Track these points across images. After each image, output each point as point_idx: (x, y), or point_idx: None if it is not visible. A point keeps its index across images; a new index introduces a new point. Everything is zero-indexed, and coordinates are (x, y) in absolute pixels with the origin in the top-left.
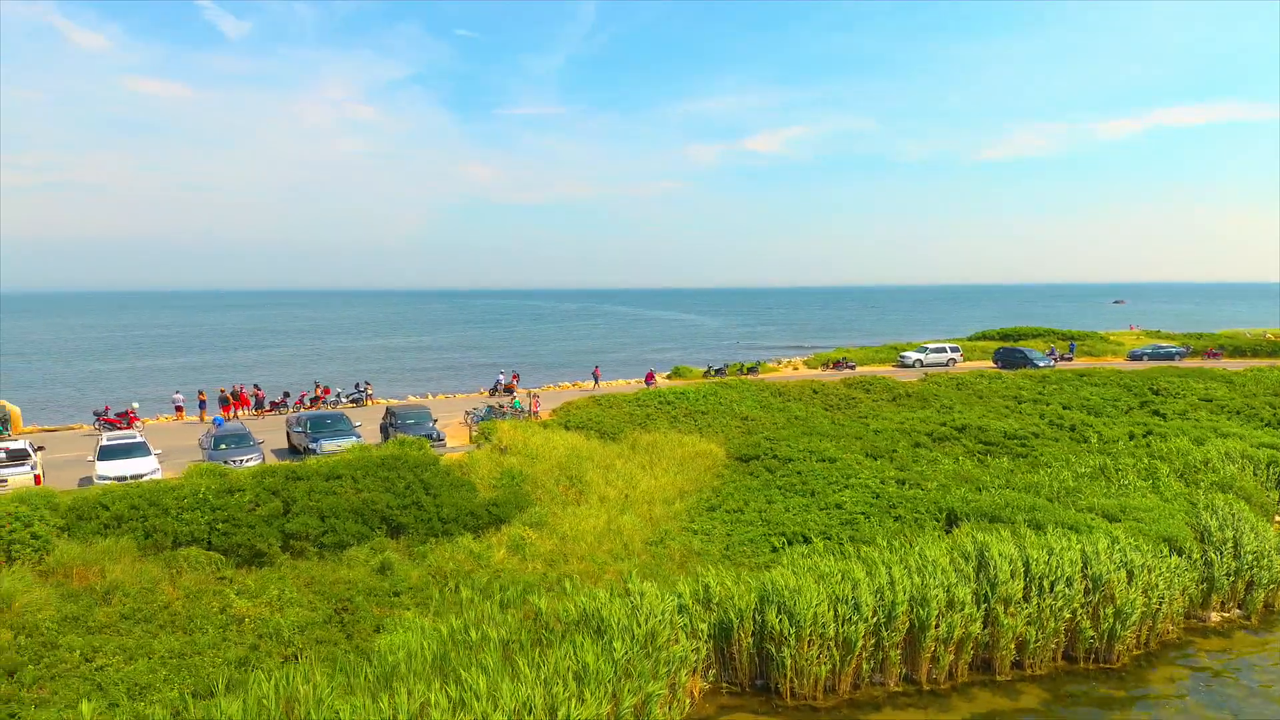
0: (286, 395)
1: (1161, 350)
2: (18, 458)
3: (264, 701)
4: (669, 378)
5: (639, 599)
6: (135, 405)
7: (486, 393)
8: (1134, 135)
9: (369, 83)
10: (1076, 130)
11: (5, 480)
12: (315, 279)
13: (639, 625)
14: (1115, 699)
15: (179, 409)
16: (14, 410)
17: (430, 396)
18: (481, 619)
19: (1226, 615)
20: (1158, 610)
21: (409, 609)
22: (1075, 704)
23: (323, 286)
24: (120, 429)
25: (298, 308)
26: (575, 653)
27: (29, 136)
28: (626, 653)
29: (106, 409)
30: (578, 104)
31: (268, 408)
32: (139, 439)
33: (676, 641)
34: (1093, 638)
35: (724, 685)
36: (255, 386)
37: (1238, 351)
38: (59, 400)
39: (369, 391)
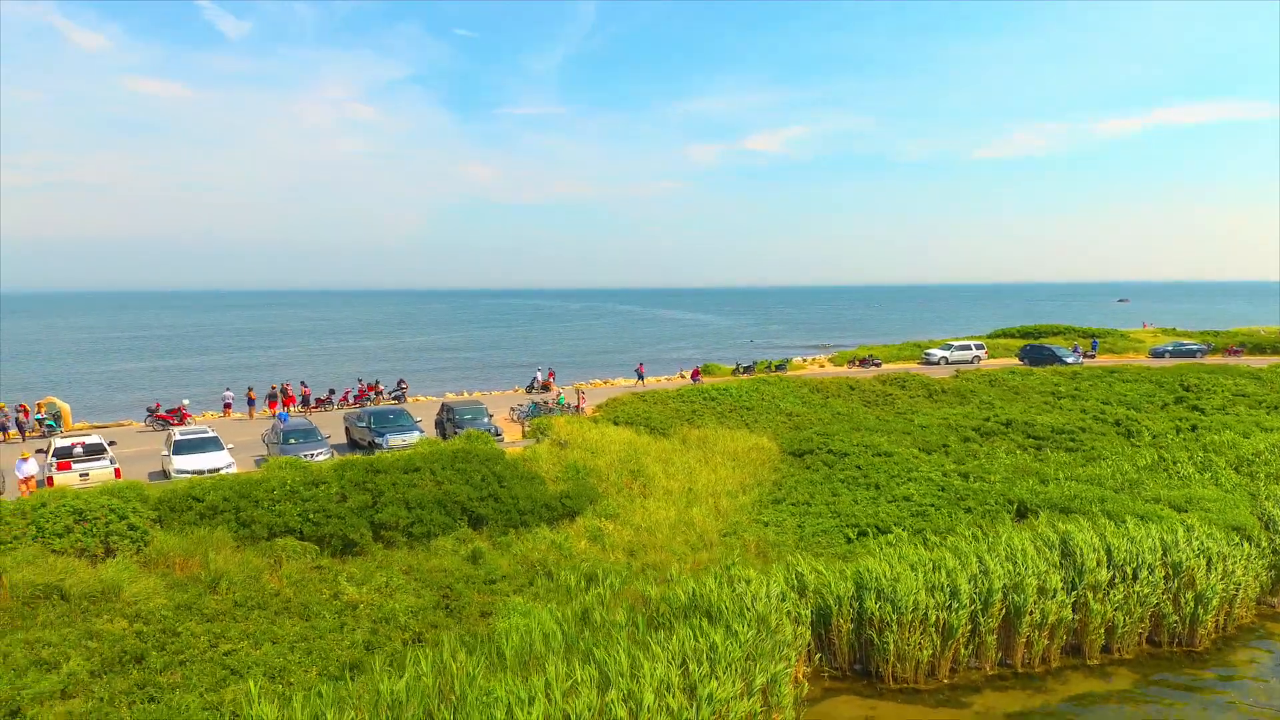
0: (332, 392)
1: (1184, 348)
2: (94, 452)
3: (423, 678)
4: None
5: (744, 585)
6: (185, 402)
7: (522, 390)
8: (1135, 134)
9: (369, 83)
10: (1077, 129)
11: (87, 474)
12: (315, 279)
13: (748, 610)
14: (1202, 679)
15: (227, 406)
16: (64, 407)
17: (466, 393)
18: (593, 604)
19: None
20: (1234, 596)
21: (508, 595)
22: (1165, 685)
23: (323, 286)
24: (173, 425)
25: (301, 307)
26: (698, 636)
27: (29, 136)
28: (750, 635)
29: (158, 405)
30: (578, 104)
31: (314, 404)
32: (211, 434)
33: (781, 625)
34: (1176, 622)
35: (825, 669)
36: (302, 384)
37: (1258, 349)
38: (91, 399)
39: (405, 389)
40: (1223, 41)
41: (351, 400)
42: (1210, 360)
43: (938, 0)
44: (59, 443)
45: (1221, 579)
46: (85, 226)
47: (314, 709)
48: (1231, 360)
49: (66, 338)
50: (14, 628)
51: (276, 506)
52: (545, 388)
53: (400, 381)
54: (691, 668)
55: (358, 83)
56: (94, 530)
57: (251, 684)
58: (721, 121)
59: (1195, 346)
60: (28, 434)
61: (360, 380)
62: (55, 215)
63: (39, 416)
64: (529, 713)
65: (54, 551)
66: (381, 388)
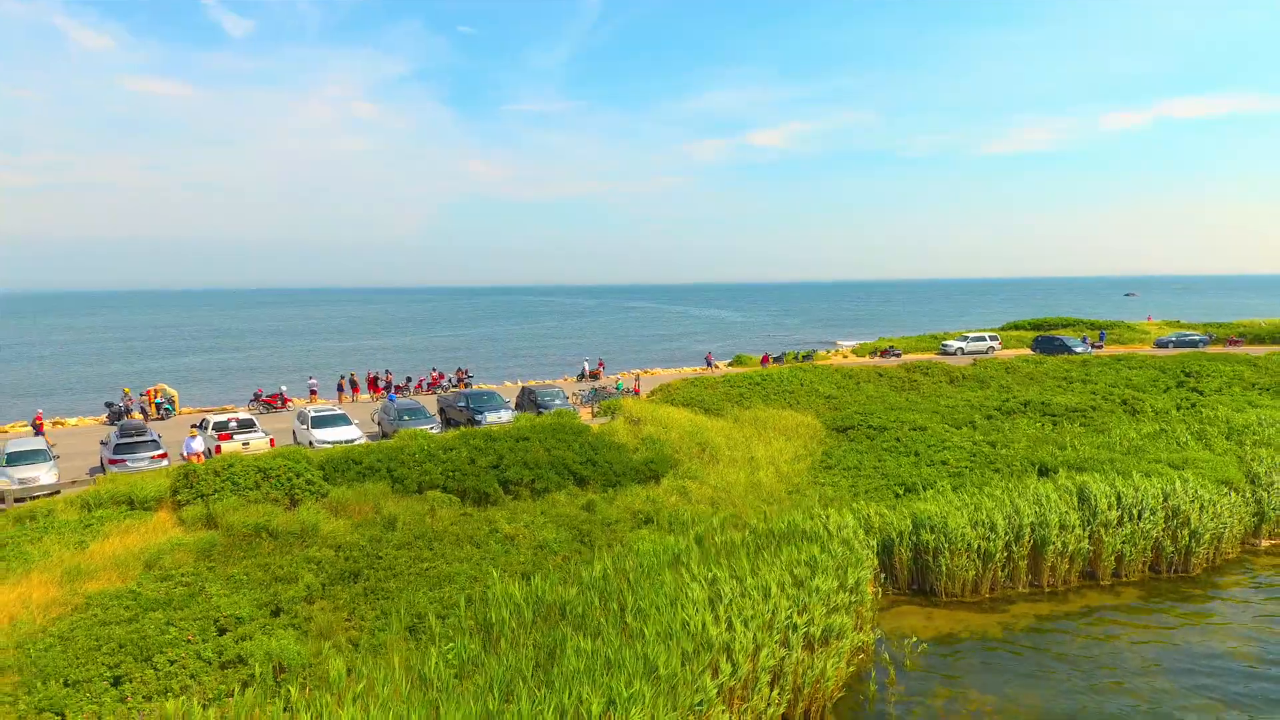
0: (409, 379)
1: (1186, 338)
2: (246, 426)
3: (607, 572)
4: (731, 365)
5: (828, 517)
6: (284, 388)
7: (572, 379)
8: (1142, 128)
9: (371, 80)
10: (1084, 124)
11: (248, 443)
12: (317, 278)
13: (835, 535)
14: (1196, 595)
15: (313, 392)
16: (174, 393)
17: (520, 382)
18: (706, 533)
19: (1274, 541)
20: (1222, 534)
21: (625, 533)
22: (1164, 598)
23: (325, 285)
24: (276, 407)
25: (317, 305)
26: (798, 553)
27: (30, 137)
28: (840, 550)
29: (260, 391)
30: (581, 100)
31: (395, 389)
32: (341, 411)
33: (858, 548)
34: (1174, 553)
35: (889, 588)
36: (386, 372)
37: (1257, 339)
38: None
39: (471, 377)
40: (1228, 35)
41: (425, 387)
42: (1211, 350)
43: None
44: (216, 418)
45: (1212, 519)
46: (85, 226)
47: (547, 585)
48: (1231, 349)
49: (99, 336)
50: (243, 556)
51: (423, 466)
52: (594, 376)
53: (467, 370)
54: (799, 571)
55: (360, 80)
56: (279, 484)
57: (494, 571)
58: (725, 117)
59: (1197, 337)
60: (150, 417)
61: (433, 369)
62: (55, 215)
63: (158, 401)
64: (690, 590)
65: (250, 502)
66: (441, 376)
